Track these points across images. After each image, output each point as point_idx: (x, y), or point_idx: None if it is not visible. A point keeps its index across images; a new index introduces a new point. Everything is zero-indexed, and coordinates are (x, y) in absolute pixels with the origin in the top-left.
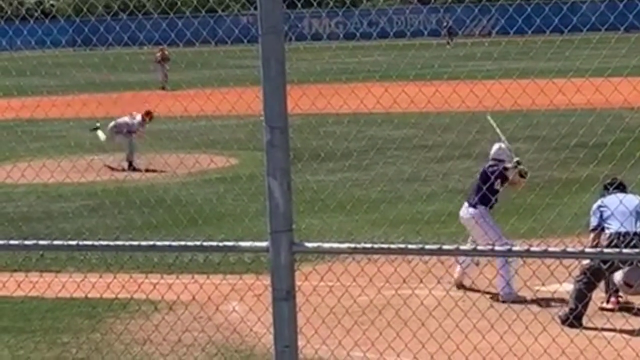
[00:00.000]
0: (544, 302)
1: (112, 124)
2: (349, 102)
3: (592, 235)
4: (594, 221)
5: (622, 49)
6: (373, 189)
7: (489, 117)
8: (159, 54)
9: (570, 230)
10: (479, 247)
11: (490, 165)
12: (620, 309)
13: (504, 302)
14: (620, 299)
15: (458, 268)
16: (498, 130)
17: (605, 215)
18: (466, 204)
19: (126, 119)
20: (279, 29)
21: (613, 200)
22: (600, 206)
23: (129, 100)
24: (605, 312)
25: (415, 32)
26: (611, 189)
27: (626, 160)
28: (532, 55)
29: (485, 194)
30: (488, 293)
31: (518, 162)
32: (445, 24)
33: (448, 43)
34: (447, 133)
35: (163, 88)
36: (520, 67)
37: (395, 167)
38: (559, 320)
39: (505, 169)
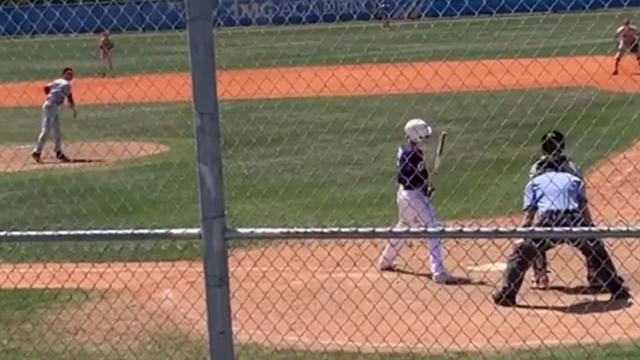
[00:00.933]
0: (477, 282)
1: (44, 105)
2: (279, 87)
3: (525, 214)
4: (526, 200)
5: (550, 29)
6: (305, 173)
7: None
8: (102, 40)
9: (502, 210)
10: (412, 229)
11: (406, 151)
12: (552, 287)
13: (437, 282)
14: (548, 276)
15: (387, 248)
16: (439, 148)
17: (537, 194)
18: (401, 186)
19: (52, 92)
20: (207, 14)
21: (544, 180)
22: (532, 185)
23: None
24: (537, 291)
25: (344, 15)
26: (542, 167)
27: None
28: (461, 36)
29: (415, 177)
30: (422, 275)
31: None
32: (382, 5)
33: (386, 25)
34: (378, 116)
35: (103, 75)
36: (450, 48)
37: (327, 151)
38: (492, 300)
39: (420, 151)
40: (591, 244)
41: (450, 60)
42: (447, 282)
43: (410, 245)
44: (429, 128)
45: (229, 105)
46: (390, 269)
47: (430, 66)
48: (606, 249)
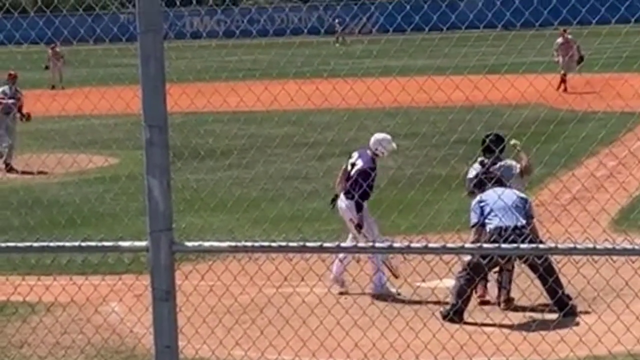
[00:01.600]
0: (425, 299)
1: None
2: (229, 100)
3: (472, 231)
4: (474, 217)
5: (500, 46)
6: (254, 187)
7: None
8: (50, 52)
9: (450, 227)
10: (360, 245)
11: (368, 165)
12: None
13: (379, 294)
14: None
15: (336, 264)
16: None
17: (485, 211)
18: (343, 196)
19: None
20: (158, 27)
21: (492, 196)
22: (479, 202)
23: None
24: (484, 307)
25: (295, 30)
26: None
27: (506, 155)
28: (411, 52)
29: (364, 192)
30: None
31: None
32: (336, 21)
33: (337, 40)
34: (328, 131)
35: (53, 87)
36: (400, 64)
37: (276, 165)
38: (440, 316)
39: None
40: (539, 261)
41: (400, 76)
42: (386, 295)
43: (358, 261)
44: (394, 144)
45: (179, 118)
46: (340, 283)
47: (380, 81)
48: (554, 266)
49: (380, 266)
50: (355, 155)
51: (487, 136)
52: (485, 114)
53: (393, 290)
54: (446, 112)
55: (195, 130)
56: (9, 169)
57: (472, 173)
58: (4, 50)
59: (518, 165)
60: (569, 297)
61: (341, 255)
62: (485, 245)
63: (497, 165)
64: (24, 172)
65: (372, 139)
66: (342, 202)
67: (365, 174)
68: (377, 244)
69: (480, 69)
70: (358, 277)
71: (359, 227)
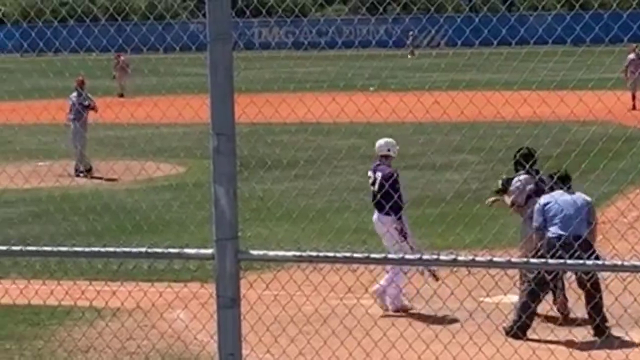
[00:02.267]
0: (489, 313)
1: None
2: (297, 111)
3: (535, 236)
4: (538, 219)
5: (569, 62)
6: (319, 198)
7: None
8: (115, 60)
9: (515, 241)
10: (424, 257)
11: (385, 172)
12: (564, 321)
13: (395, 310)
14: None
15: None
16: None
17: (548, 214)
18: (376, 212)
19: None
20: (227, 36)
21: (555, 199)
22: (544, 204)
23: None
24: (549, 324)
25: (363, 42)
26: (555, 180)
27: (572, 172)
28: (479, 66)
29: (393, 201)
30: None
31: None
32: (410, 33)
33: (412, 52)
34: None
35: (121, 95)
36: (467, 78)
37: (342, 176)
38: (503, 331)
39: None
40: (586, 277)
41: (468, 89)
42: (397, 311)
43: (422, 273)
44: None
45: (246, 128)
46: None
47: (448, 95)
48: (601, 284)
49: (396, 280)
50: (370, 173)
51: (519, 150)
52: (552, 129)
53: (407, 303)
54: (513, 127)
55: (263, 140)
56: (78, 174)
57: (522, 185)
58: (76, 58)
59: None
60: (605, 319)
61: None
62: (550, 261)
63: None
64: (93, 178)
65: (379, 144)
66: (376, 217)
67: (391, 179)
68: (442, 257)
69: (548, 84)
70: (422, 289)
71: (403, 234)
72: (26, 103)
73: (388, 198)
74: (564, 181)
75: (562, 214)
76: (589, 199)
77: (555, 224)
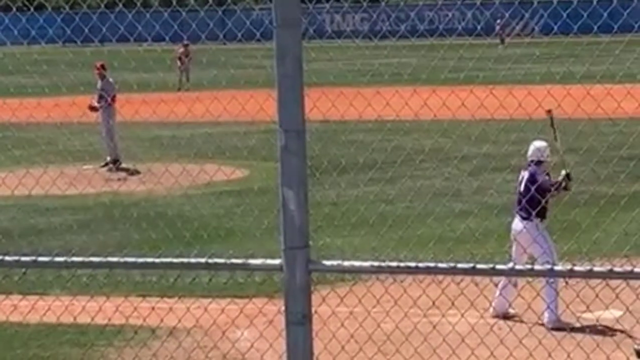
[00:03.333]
0: (588, 329)
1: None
2: (374, 106)
3: None
4: None
5: None
6: (399, 203)
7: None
8: (181, 50)
9: (618, 250)
10: (517, 267)
11: (533, 171)
12: None
13: (551, 329)
14: None
15: (497, 296)
16: (557, 132)
17: None
18: (518, 216)
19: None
20: (296, 21)
21: None
22: None
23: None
24: None
25: (448, 29)
26: None
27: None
28: (577, 55)
29: (537, 204)
30: (527, 319)
31: (568, 176)
32: (498, 21)
33: (502, 42)
34: (482, 142)
35: (179, 89)
36: (563, 69)
37: (424, 179)
38: (635, 353)
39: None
40: None
41: (564, 82)
42: (557, 329)
43: (515, 285)
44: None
45: (318, 125)
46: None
47: (542, 87)
48: None
49: (545, 294)
50: (523, 172)
51: None
52: None
53: (569, 321)
54: (615, 123)
55: (336, 139)
56: (118, 167)
57: None
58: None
59: None
60: None
61: (500, 287)
62: None
63: None
64: (133, 172)
65: (534, 148)
66: (518, 223)
67: (542, 188)
68: (536, 267)
69: None
70: (515, 303)
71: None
72: (70, 98)
73: (530, 200)
74: None
75: None
76: None
77: None
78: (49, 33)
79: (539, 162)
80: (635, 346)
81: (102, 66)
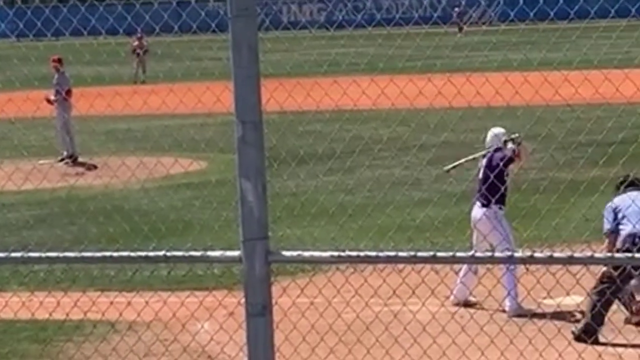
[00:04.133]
0: (549, 315)
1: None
2: (331, 96)
3: (606, 240)
4: (606, 223)
5: (633, 36)
6: (359, 193)
7: (447, 168)
8: (135, 43)
9: (578, 235)
10: (477, 254)
11: (491, 159)
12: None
13: (512, 316)
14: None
15: (457, 283)
16: (468, 158)
17: (619, 216)
18: (478, 203)
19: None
20: (251, 12)
21: (625, 200)
22: (613, 208)
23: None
24: (616, 326)
25: (405, 18)
26: (623, 187)
27: (639, 158)
28: (533, 43)
29: (495, 191)
30: (488, 306)
31: (512, 140)
32: (457, 10)
33: (460, 29)
34: (440, 130)
35: (134, 82)
36: (520, 57)
37: (383, 169)
38: (572, 336)
39: (509, 160)
40: None
41: (522, 69)
42: (519, 315)
43: (475, 272)
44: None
45: (275, 115)
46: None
47: (500, 74)
48: None
49: (505, 281)
50: (481, 159)
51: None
52: (616, 111)
53: (530, 307)
54: (573, 109)
55: (293, 130)
56: (74, 160)
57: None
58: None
59: None
60: None
61: (460, 275)
62: (616, 255)
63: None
64: (90, 166)
65: (492, 134)
66: (478, 210)
67: (488, 170)
68: (496, 254)
69: (611, 60)
70: (475, 291)
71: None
72: (24, 92)
73: (490, 187)
74: (633, 184)
75: (632, 213)
76: None
77: (627, 223)
78: (1, 27)
79: (497, 149)
80: (573, 328)
81: (59, 60)
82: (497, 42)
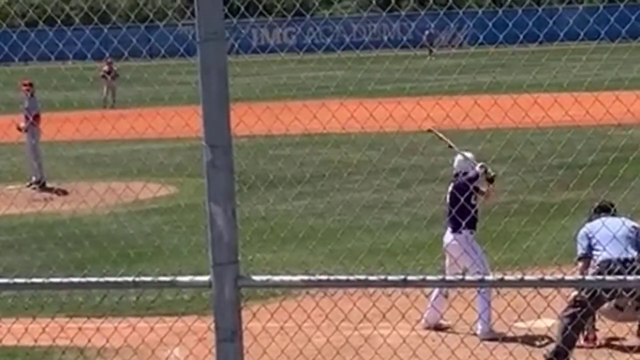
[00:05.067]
0: (520, 338)
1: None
2: (301, 120)
3: (579, 264)
4: (579, 249)
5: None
6: (329, 216)
7: (433, 130)
8: (105, 68)
9: (549, 258)
10: (448, 277)
11: (458, 183)
12: (600, 345)
13: (484, 339)
14: (597, 333)
15: (429, 307)
16: (448, 141)
17: (592, 242)
18: (449, 229)
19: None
20: (220, 35)
21: (598, 225)
22: (587, 233)
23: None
24: (585, 349)
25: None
26: (595, 213)
27: (609, 180)
28: (503, 66)
29: (464, 215)
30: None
31: (483, 168)
32: (427, 32)
33: (430, 52)
34: (410, 154)
35: (104, 107)
36: (490, 80)
37: (354, 192)
38: (543, 359)
39: (471, 179)
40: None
41: (492, 92)
42: (490, 339)
43: (446, 296)
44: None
45: (244, 140)
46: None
47: (470, 97)
48: None
49: (486, 306)
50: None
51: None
52: (586, 133)
53: (501, 330)
54: (543, 132)
55: (263, 153)
56: (43, 186)
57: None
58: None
59: None
60: None
61: (431, 298)
62: (587, 278)
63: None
64: (59, 192)
65: (458, 159)
66: (448, 235)
67: (453, 195)
68: (467, 277)
69: (581, 83)
70: (446, 314)
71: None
72: None
73: (459, 211)
74: (606, 210)
75: (605, 238)
76: (637, 224)
77: (601, 249)
78: None
79: (464, 174)
80: (545, 352)
81: (30, 84)
82: (467, 64)
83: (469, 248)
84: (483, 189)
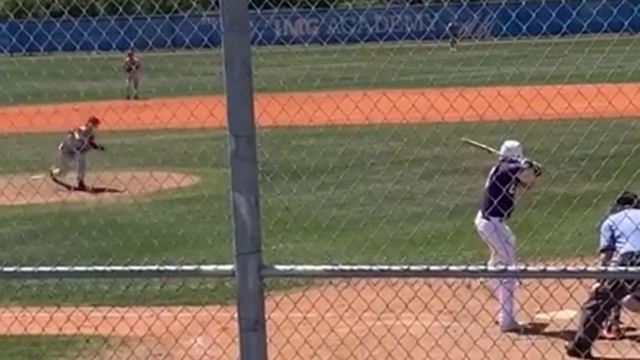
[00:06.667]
0: (543, 329)
1: (60, 146)
2: (324, 110)
3: (602, 256)
4: (603, 241)
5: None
6: (352, 207)
7: (467, 140)
8: (127, 59)
9: (571, 250)
10: (470, 268)
11: (501, 170)
12: (623, 337)
13: (506, 330)
14: (621, 326)
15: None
16: (484, 146)
17: (615, 234)
18: (480, 214)
19: (68, 139)
20: (244, 25)
21: (622, 218)
22: (610, 225)
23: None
24: (607, 340)
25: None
26: (619, 204)
27: (632, 172)
28: (526, 57)
29: (499, 202)
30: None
31: (528, 163)
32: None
33: (452, 44)
34: (433, 145)
35: (128, 97)
36: (512, 71)
37: (377, 183)
38: (565, 350)
39: (516, 170)
40: None
41: (515, 83)
42: (513, 330)
43: (469, 286)
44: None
45: (268, 130)
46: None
47: (493, 89)
48: None
49: (499, 296)
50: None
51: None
52: (609, 125)
53: (522, 323)
54: (566, 123)
55: (287, 144)
56: (81, 187)
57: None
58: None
59: None
60: None
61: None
62: (610, 269)
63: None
64: (95, 190)
65: (504, 148)
66: (479, 219)
67: (493, 181)
68: (490, 268)
69: (604, 74)
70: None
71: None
72: (17, 107)
73: (494, 197)
74: (629, 202)
75: (629, 230)
76: None
77: (624, 241)
78: None
79: (510, 161)
80: (566, 343)
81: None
82: (490, 56)
83: (494, 235)
84: (525, 180)
